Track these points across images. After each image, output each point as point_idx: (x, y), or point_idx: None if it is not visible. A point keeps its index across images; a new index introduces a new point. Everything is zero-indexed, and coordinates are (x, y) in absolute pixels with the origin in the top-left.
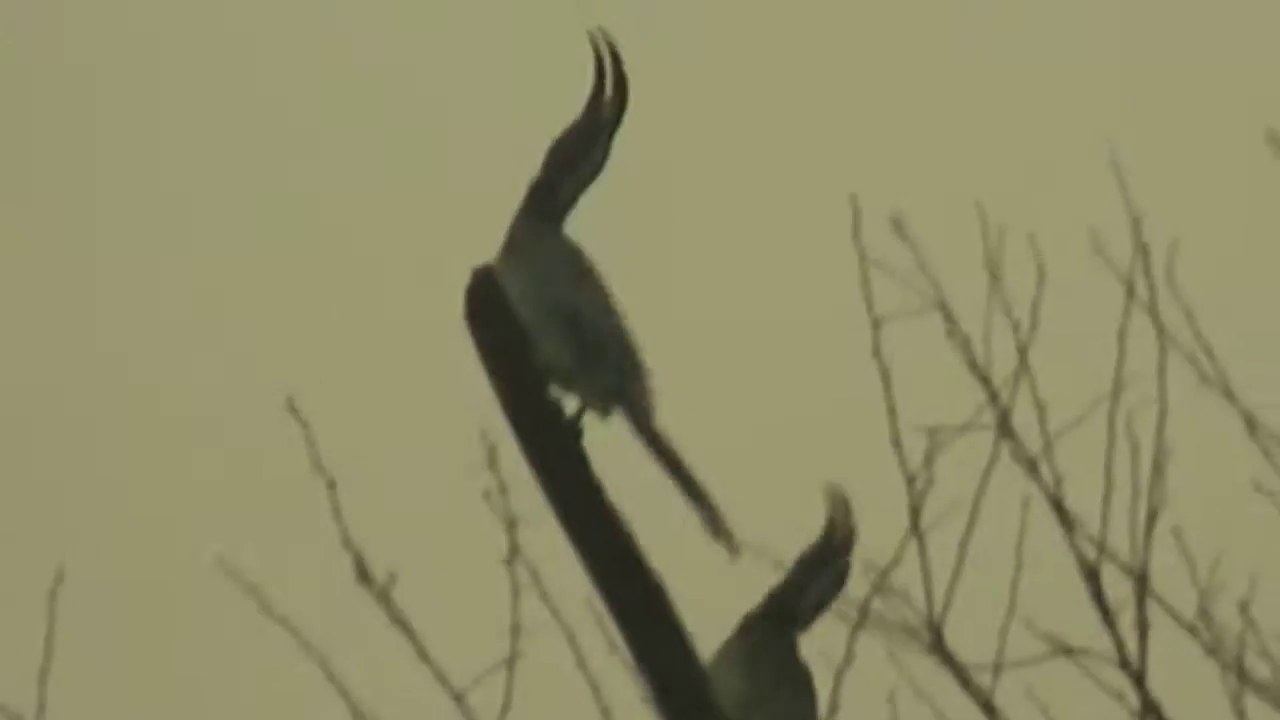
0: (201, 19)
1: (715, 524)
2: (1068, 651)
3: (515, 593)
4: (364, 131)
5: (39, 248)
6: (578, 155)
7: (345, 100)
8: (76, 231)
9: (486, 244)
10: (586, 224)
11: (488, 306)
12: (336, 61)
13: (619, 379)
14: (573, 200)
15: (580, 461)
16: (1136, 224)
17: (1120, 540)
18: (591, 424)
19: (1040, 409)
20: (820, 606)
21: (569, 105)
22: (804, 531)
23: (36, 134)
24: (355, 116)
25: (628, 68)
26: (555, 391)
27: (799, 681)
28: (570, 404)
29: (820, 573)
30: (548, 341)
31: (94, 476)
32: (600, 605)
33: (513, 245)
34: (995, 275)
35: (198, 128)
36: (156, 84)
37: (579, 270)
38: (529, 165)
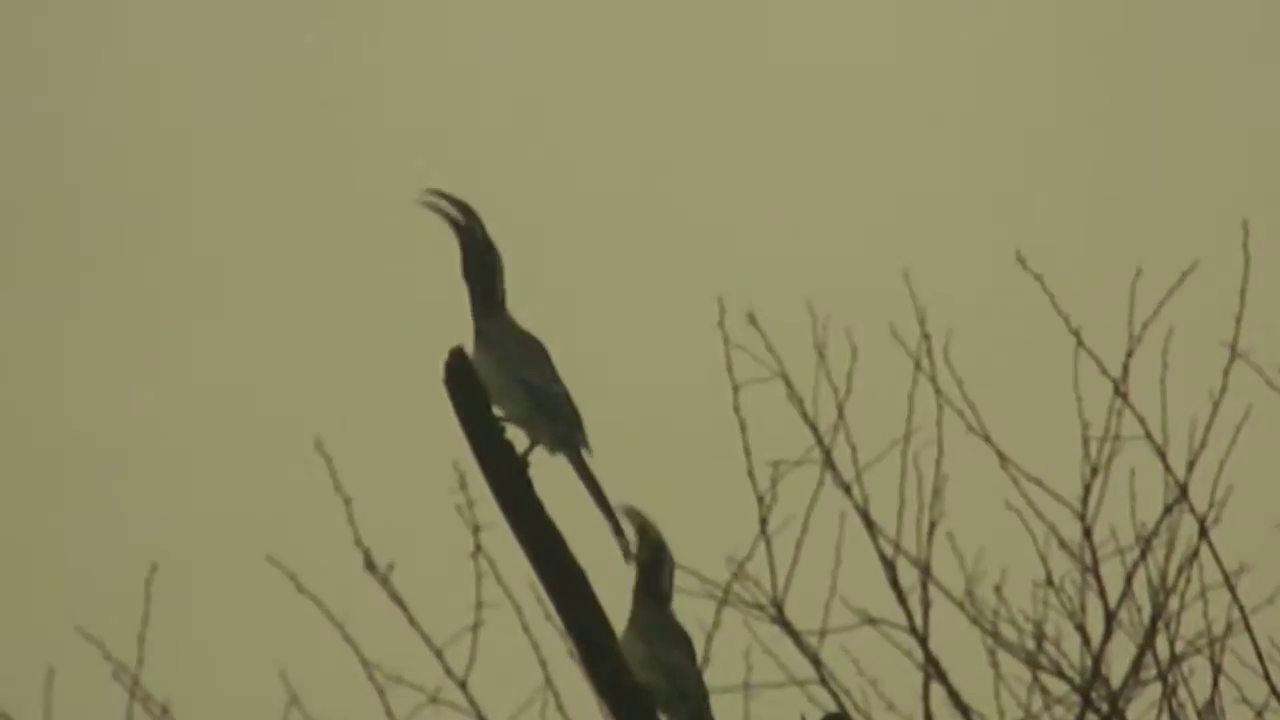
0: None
1: (620, 538)
2: (872, 621)
3: (478, 578)
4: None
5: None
6: (482, 261)
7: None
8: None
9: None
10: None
11: (460, 375)
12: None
13: (566, 429)
14: (503, 295)
15: (527, 486)
16: (921, 318)
17: (910, 541)
18: (536, 459)
19: (853, 449)
20: (671, 582)
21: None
22: (687, 539)
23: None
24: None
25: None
26: (510, 435)
27: (683, 643)
28: (520, 444)
29: (662, 565)
30: (510, 402)
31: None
32: (540, 587)
33: (480, 334)
34: (821, 354)
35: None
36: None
37: (532, 351)
38: None
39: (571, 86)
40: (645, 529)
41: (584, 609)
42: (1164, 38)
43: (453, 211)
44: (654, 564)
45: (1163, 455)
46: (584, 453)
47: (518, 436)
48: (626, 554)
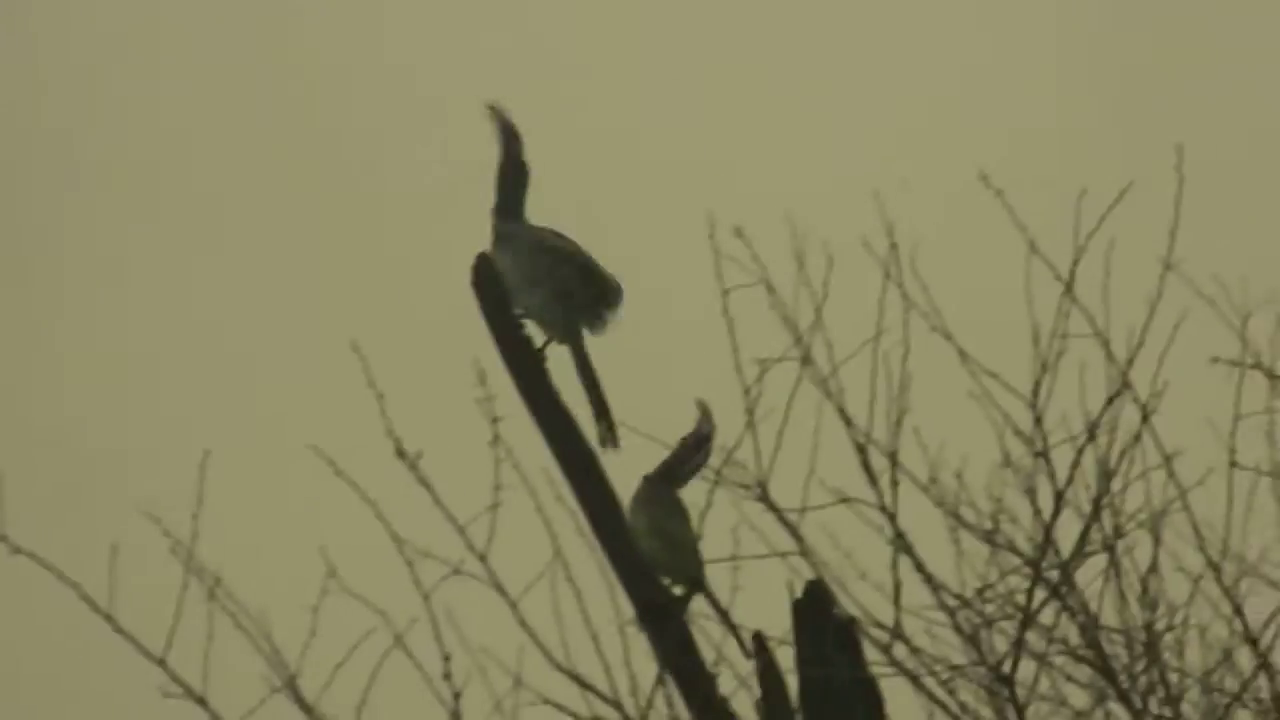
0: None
1: (605, 427)
2: (847, 500)
3: (497, 464)
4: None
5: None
6: (517, 174)
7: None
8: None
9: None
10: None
11: (486, 277)
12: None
13: (575, 320)
14: (523, 202)
15: (544, 375)
16: (890, 229)
17: (880, 430)
18: (551, 351)
19: (829, 347)
20: (692, 474)
21: None
22: (679, 425)
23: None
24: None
25: (517, 120)
26: (528, 329)
27: (683, 516)
28: (538, 338)
29: (695, 454)
30: (526, 296)
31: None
32: (552, 470)
33: (498, 237)
34: (800, 262)
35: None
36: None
37: (550, 235)
38: None
39: (567, 13)
40: (704, 420)
41: (594, 485)
42: None
43: (509, 121)
44: (690, 449)
45: (1108, 349)
46: (585, 343)
47: (534, 332)
48: (604, 440)
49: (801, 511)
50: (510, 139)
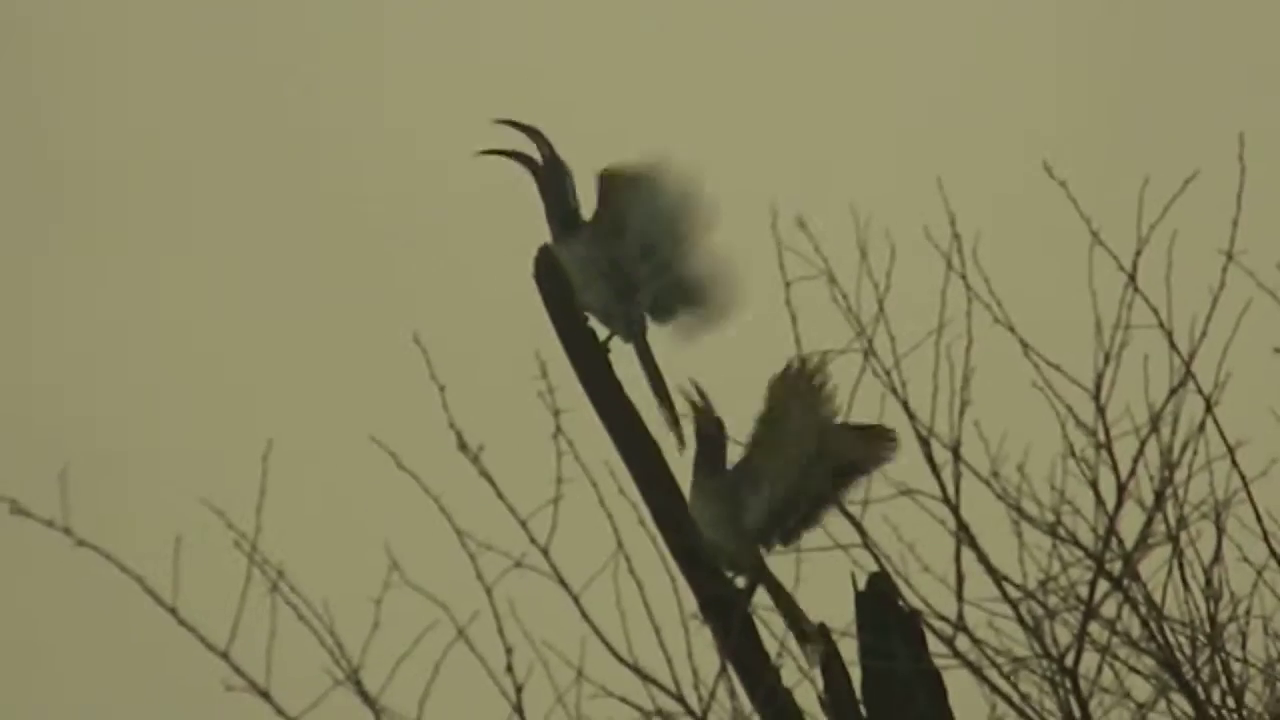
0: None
1: (675, 425)
2: (909, 492)
3: (558, 456)
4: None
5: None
6: (553, 175)
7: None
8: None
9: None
10: None
11: (548, 270)
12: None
13: (639, 317)
14: (573, 197)
15: (606, 367)
16: (952, 221)
17: (942, 423)
18: (615, 346)
19: (891, 339)
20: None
21: None
22: (745, 421)
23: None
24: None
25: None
26: (591, 323)
27: (745, 508)
28: (601, 332)
29: (722, 434)
30: (590, 294)
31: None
32: (614, 464)
33: (560, 238)
34: (863, 253)
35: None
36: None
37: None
38: None
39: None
40: (707, 402)
41: (657, 478)
42: None
43: (511, 151)
44: (717, 434)
45: (1171, 340)
46: (648, 340)
47: (596, 326)
48: (680, 440)
49: (864, 504)
50: (533, 151)
